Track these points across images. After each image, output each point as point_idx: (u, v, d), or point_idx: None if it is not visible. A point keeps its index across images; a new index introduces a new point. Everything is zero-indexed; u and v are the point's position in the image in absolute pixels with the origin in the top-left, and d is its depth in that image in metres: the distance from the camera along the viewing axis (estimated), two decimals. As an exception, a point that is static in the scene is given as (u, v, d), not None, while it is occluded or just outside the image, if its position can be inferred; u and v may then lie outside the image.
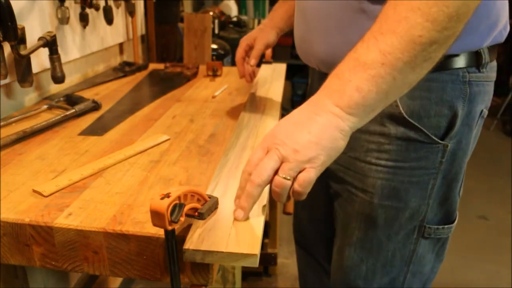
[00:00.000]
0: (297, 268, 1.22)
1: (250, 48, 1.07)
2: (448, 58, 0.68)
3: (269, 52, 1.61)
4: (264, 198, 0.62)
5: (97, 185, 0.67)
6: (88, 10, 1.27)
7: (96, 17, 1.36)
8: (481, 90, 0.72)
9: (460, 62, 0.69)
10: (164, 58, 1.85)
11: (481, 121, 0.76)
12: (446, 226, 0.80)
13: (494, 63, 0.75)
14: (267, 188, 0.65)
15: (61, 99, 1.07)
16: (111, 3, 1.41)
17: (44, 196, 0.63)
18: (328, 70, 0.81)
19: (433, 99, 0.70)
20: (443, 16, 0.48)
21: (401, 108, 0.71)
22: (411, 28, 0.49)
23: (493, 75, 0.75)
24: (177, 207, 0.49)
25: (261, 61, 1.55)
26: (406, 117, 0.71)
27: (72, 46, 1.25)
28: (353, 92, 0.51)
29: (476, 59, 0.70)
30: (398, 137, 0.73)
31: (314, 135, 0.52)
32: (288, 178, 0.52)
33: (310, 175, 0.52)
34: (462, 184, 0.80)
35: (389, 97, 0.53)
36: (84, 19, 1.26)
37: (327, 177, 0.90)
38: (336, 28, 0.73)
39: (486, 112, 0.76)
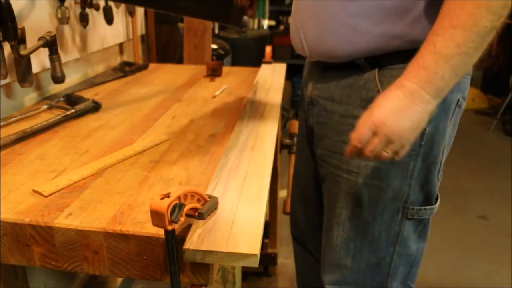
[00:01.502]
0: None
1: None
2: None
3: (269, 52, 1.61)
4: (264, 197, 0.62)
5: (97, 185, 0.67)
6: (88, 10, 1.27)
7: (96, 17, 1.36)
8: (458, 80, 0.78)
9: None
10: (164, 58, 1.85)
11: (458, 110, 0.81)
12: (428, 207, 0.84)
13: None
14: (267, 189, 0.65)
15: (61, 99, 1.07)
16: (111, 3, 1.41)
17: (44, 196, 0.63)
18: (317, 57, 0.85)
19: None
20: (500, 7, 0.61)
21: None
22: (478, 22, 0.61)
23: (470, 68, 0.80)
24: (177, 207, 0.49)
25: (261, 61, 1.56)
26: None
27: (72, 46, 1.25)
28: (440, 82, 0.65)
29: None
30: None
31: (415, 123, 0.67)
32: (389, 152, 0.69)
33: (406, 151, 0.70)
34: (441, 168, 0.84)
35: (460, 76, 0.67)
36: (84, 19, 1.26)
37: (317, 163, 0.94)
38: (323, 16, 0.79)
39: (463, 102, 0.81)
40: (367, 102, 0.78)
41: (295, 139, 1.41)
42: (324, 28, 0.80)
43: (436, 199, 0.86)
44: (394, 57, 0.76)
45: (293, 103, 3.70)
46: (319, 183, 0.98)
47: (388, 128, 0.67)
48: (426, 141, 0.78)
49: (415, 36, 0.74)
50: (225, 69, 1.51)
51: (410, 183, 0.81)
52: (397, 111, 0.67)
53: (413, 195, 0.82)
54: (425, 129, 0.77)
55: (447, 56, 0.63)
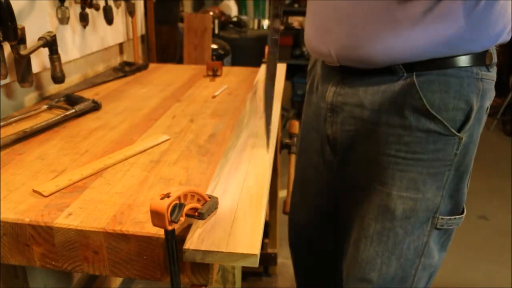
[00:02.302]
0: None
1: None
2: (464, 57, 0.73)
3: (269, 52, 1.61)
4: (264, 197, 0.62)
5: (97, 185, 0.67)
6: (88, 10, 1.27)
7: (96, 17, 1.36)
8: (489, 87, 0.77)
9: (474, 61, 0.74)
10: (164, 58, 1.85)
11: (485, 117, 0.80)
12: (457, 216, 0.82)
13: (495, 67, 0.80)
14: (267, 189, 0.65)
15: (61, 99, 1.07)
16: (111, 3, 1.41)
17: (44, 196, 0.63)
18: (348, 62, 0.79)
19: (451, 93, 0.74)
20: None
21: (424, 101, 0.74)
22: None
23: (495, 76, 0.79)
24: (177, 207, 0.49)
25: (261, 61, 1.55)
26: (429, 108, 0.74)
27: (72, 46, 1.25)
28: None
29: (486, 59, 0.75)
30: (419, 129, 0.75)
31: None
32: None
33: None
34: (470, 177, 0.83)
35: None
36: (84, 19, 1.26)
37: (339, 172, 0.90)
38: (361, 19, 0.74)
39: (489, 108, 0.80)
40: (403, 109, 0.75)
41: (295, 139, 1.41)
42: (361, 32, 0.74)
43: (463, 208, 0.84)
44: (430, 63, 0.73)
45: (293, 103, 3.70)
46: (329, 192, 0.95)
47: None
48: (461, 150, 0.76)
49: (456, 42, 0.71)
50: (225, 69, 1.51)
51: (443, 193, 0.79)
52: None
53: (442, 205, 0.80)
54: (461, 138, 0.75)
55: None
